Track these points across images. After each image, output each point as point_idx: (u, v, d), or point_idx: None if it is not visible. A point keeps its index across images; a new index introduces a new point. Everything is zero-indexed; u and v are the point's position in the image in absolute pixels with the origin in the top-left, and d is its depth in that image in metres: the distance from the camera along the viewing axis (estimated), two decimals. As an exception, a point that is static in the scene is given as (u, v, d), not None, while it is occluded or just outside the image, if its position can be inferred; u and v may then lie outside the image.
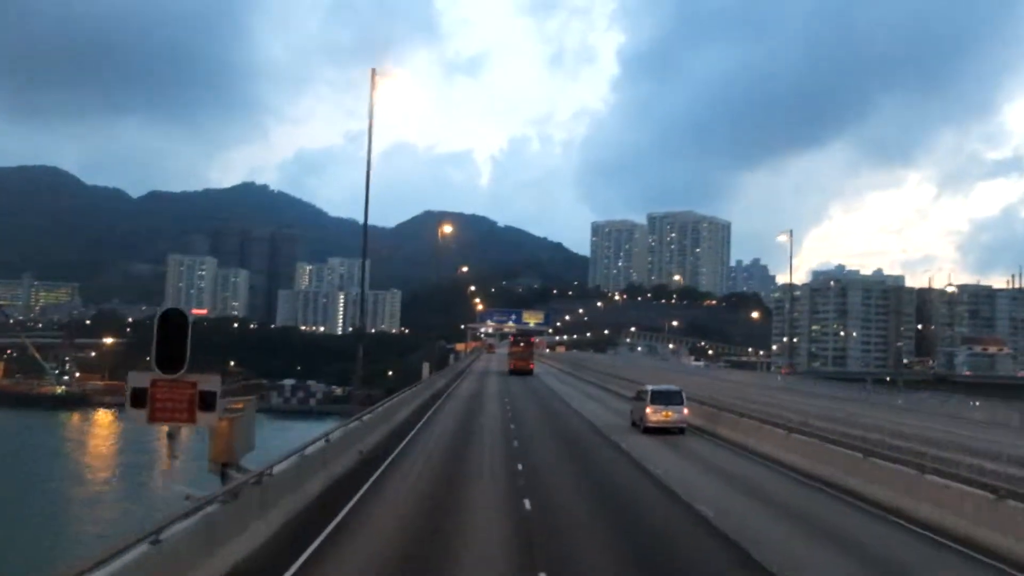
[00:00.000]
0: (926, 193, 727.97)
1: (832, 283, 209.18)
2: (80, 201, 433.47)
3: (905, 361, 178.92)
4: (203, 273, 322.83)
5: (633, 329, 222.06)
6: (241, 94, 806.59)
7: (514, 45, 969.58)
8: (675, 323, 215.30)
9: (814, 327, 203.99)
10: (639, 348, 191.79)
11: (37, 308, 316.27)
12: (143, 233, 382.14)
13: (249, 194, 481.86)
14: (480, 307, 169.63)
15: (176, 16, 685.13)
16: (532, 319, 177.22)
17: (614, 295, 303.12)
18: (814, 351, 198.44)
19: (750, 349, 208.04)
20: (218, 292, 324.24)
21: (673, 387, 36.36)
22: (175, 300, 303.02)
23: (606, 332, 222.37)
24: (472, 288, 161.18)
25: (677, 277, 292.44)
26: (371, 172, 31.60)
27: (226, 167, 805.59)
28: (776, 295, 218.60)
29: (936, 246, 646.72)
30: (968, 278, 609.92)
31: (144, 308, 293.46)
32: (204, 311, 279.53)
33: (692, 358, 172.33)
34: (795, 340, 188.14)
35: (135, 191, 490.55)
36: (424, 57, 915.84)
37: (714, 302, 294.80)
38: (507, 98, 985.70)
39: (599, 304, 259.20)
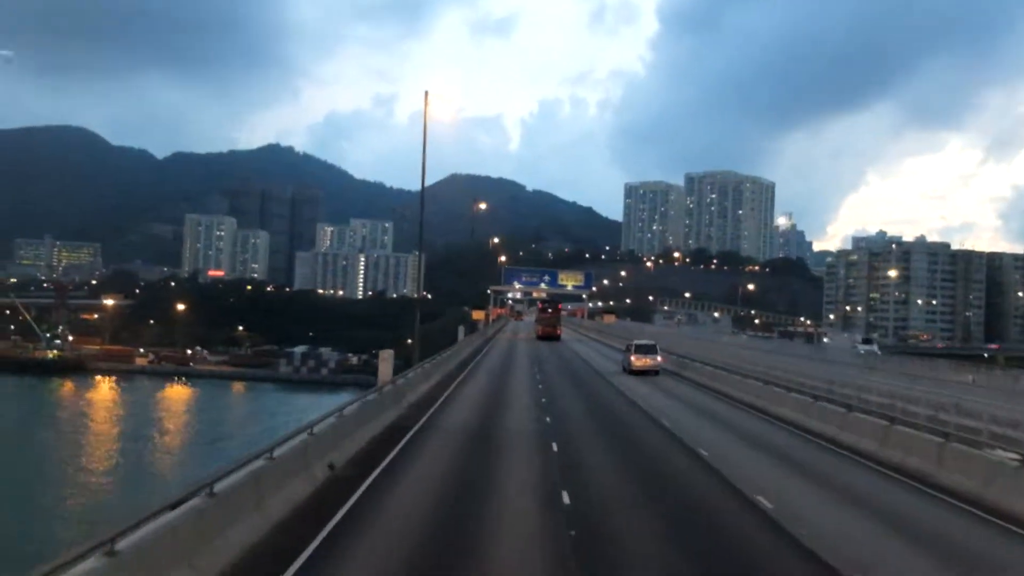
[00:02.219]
0: (969, 158, 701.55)
1: (894, 246, 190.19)
2: (106, 161, 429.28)
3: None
4: (221, 234, 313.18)
5: (689, 295, 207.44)
6: (270, 53, 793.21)
7: (550, 1, 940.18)
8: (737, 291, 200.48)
9: (873, 295, 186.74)
10: (678, 317, 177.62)
11: (60, 268, 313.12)
12: (166, 194, 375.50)
13: (274, 156, 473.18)
14: (504, 261, 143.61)
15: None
16: (570, 280, 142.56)
17: (650, 259, 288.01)
18: (873, 321, 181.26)
19: (802, 319, 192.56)
20: (237, 254, 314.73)
21: (650, 341, 48.60)
22: (193, 262, 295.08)
23: (651, 299, 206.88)
24: (499, 254, 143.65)
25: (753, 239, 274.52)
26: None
27: (254, 129, 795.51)
28: (830, 260, 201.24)
29: (977, 213, 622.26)
30: (1008, 246, 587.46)
31: (165, 270, 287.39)
32: (221, 272, 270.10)
33: (744, 331, 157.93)
34: (848, 309, 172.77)
35: (160, 152, 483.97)
36: (457, 16, 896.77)
37: (756, 268, 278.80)
38: (539, 60, 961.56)
39: (623, 273, 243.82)
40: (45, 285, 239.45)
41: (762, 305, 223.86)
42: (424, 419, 24.18)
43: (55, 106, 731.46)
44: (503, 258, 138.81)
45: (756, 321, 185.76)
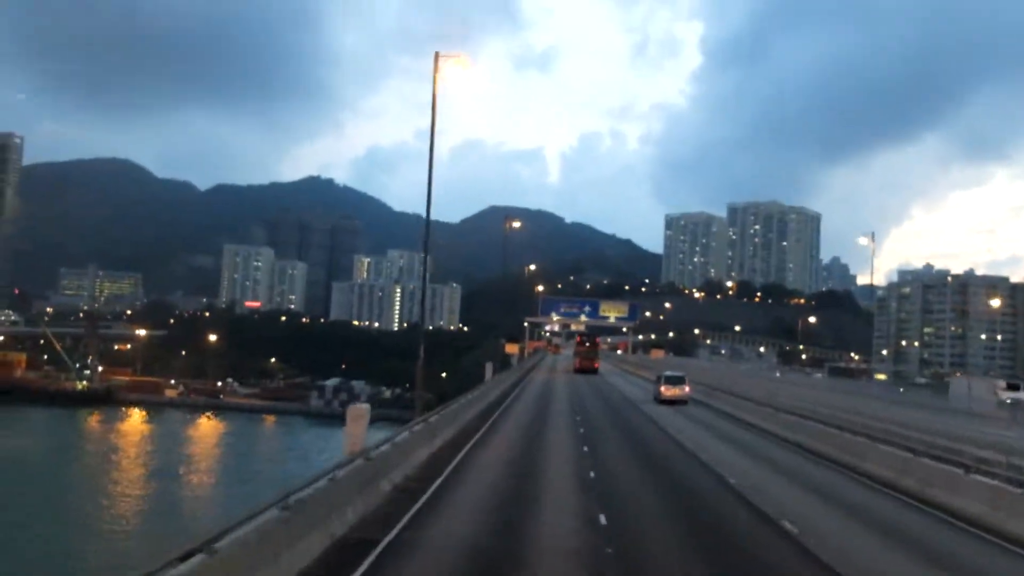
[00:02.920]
0: (1017, 191, 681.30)
1: (949, 279, 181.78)
2: (150, 193, 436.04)
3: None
4: (259, 264, 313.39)
5: (739, 329, 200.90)
6: (315, 86, 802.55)
7: (593, 35, 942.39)
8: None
9: (927, 329, 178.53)
10: (722, 351, 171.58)
11: (102, 298, 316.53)
12: (208, 225, 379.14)
13: (314, 188, 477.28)
14: (542, 291, 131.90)
15: (251, 7, 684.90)
16: (612, 311, 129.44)
17: (692, 292, 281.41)
18: (926, 357, 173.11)
19: (852, 354, 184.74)
20: (274, 285, 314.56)
21: (679, 372, 52.36)
22: (230, 292, 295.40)
23: (696, 332, 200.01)
24: (536, 284, 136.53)
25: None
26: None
27: (297, 161, 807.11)
28: (881, 293, 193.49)
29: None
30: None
31: (204, 300, 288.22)
32: (258, 304, 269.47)
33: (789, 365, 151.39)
34: (904, 343, 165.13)
35: (203, 184, 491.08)
36: (500, 48, 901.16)
37: (802, 301, 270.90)
38: (580, 93, 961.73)
39: (667, 305, 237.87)
40: (81, 315, 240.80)
41: (808, 339, 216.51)
42: (401, 525, 14.64)
43: (103, 139, 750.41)
44: (540, 288, 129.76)
45: (803, 356, 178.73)
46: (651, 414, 41.62)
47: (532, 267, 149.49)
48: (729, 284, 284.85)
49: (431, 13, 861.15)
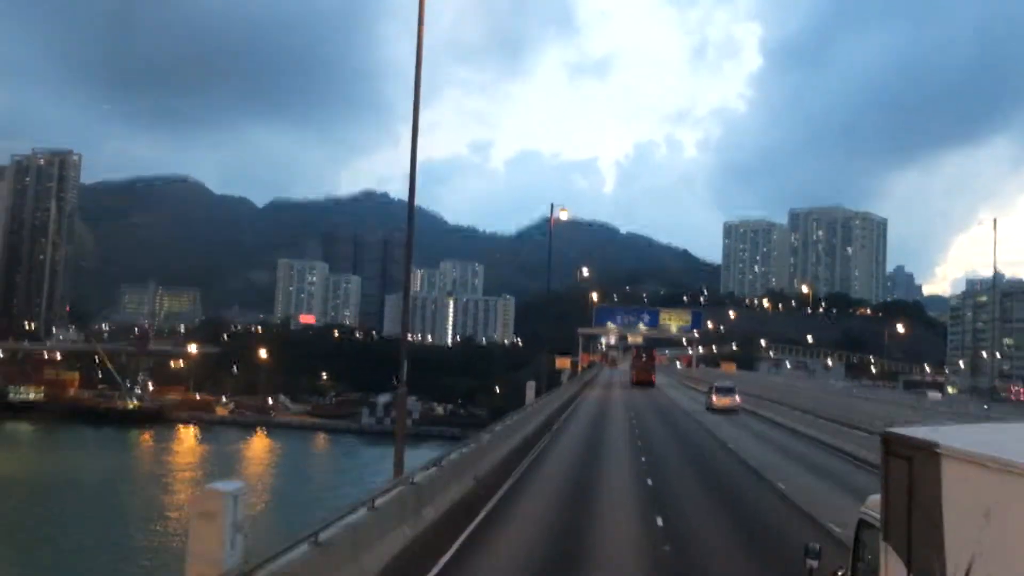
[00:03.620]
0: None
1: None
2: (209, 210, 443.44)
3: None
4: (313, 278, 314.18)
5: (811, 340, 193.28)
6: (373, 100, 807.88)
7: (649, 39, 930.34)
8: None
9: (1006, 340, 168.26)
10: (786, 364, 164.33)
11: (161, 314, 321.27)
12: (265, 240, 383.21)
13: (369, 201, 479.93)
14: (597, 300, 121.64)
15: (308, 21, 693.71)
16: (674, 320, 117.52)
17: (752, 302, 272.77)
18: (1008, 369, 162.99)
19: (926, 367, 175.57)
20: (329, 299, 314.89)
21: (728, 383, 58.84)
22: (285, 307, 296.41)
23: (763, 343, 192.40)
24: (591, 292, 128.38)
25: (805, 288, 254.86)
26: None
27: (354, 175, 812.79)
28: (954, 302, 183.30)
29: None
30: None
31: (261, 316, 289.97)
32: (312, 319, 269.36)
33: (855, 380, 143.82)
34: (984, 354, 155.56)
35: (261, 199, 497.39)
36: (556, 56, 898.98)
37: (868, 311, 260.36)
38: (636, 100, 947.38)
39: (731, 314, 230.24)
40: (136, 332, 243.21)
41: (875, 351, 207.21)
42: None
43: (165, 157, 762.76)
44: (595, 296, 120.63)
45: (873, 369, 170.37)
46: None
47: (585, 271, 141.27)
48: (795, 293, 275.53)
49: (486, 23, 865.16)
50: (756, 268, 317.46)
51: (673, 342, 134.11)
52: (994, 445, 5.73)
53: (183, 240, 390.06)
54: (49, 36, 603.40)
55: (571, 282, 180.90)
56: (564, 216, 64.08)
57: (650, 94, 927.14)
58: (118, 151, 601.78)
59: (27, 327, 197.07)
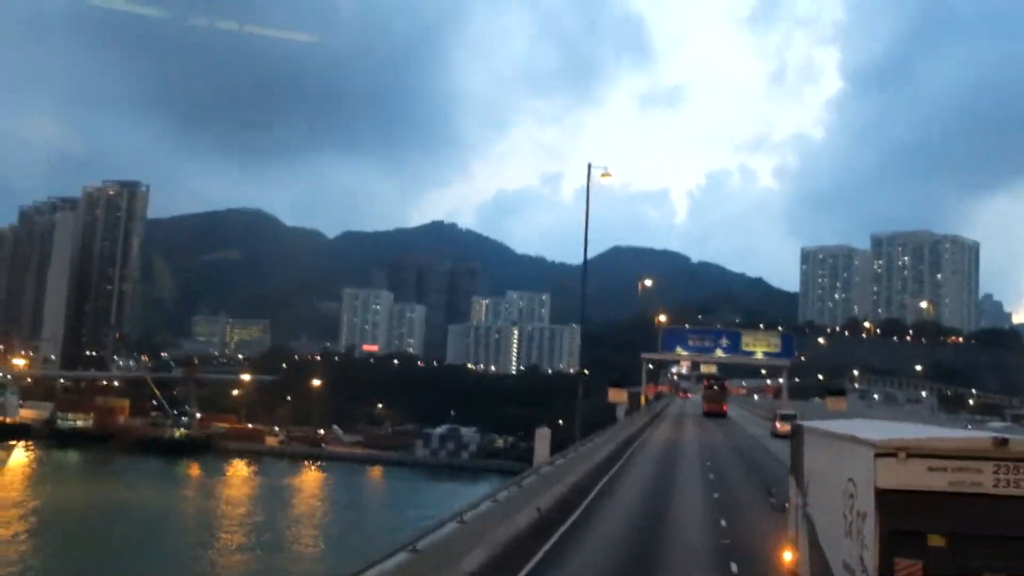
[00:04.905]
0: None
1: None
2: (280, 242, 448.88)
3: None
4: (378, 307, 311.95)
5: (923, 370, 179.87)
6: (442, 132, 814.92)
7: (725, 65, 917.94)
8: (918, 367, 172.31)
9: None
10: (874, 396, 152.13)
11: (232, 344, 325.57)
12: (335, 271, 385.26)
13: (437, 232, 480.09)
14: (664, 320, 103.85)
15: (379, 54, 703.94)
16: (759, 345, 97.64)
17: (832, 330, 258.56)
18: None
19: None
20: (393, 328, 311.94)
21: (791, 411, 61.78)
22: (349, 336, 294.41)
23: (855, 373, 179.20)
24: (660, 318, 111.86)
25: (924, 304, 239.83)
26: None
27: (425, 208, 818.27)
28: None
29: None
30: None
31: (328, 345, 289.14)
32: (375, 347, 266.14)
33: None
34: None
35: (331, 231, 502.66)
36: (629, 84, 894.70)
37: (960, 339, 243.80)
38: (709, 129, 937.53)
39: (820, 340, 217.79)
40: (214, 361, 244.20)
41: (969, 382, 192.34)
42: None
43: (237, 191, 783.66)
44: (663, 317, 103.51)
45: (971, 402, 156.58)
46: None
47: (648, 281, 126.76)
48: (879, 321, 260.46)
49: (558, 53, 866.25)
50: (836, 295, 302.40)
51: (752, 371, 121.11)
52: (836, 427, 11.95)
53: (254, 272, 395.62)
54: (126, 71, 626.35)
55: (640, 309, 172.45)
56: (605, 181, 45.86)
57: (724, 122, 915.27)
58: (194, 185, 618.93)
59: (91, 355, 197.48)
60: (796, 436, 13.97)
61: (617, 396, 68.71)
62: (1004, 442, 8.85)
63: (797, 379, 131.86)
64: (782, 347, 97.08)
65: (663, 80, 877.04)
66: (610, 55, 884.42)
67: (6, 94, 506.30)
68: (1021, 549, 8.52)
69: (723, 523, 23.90)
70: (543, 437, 34.82)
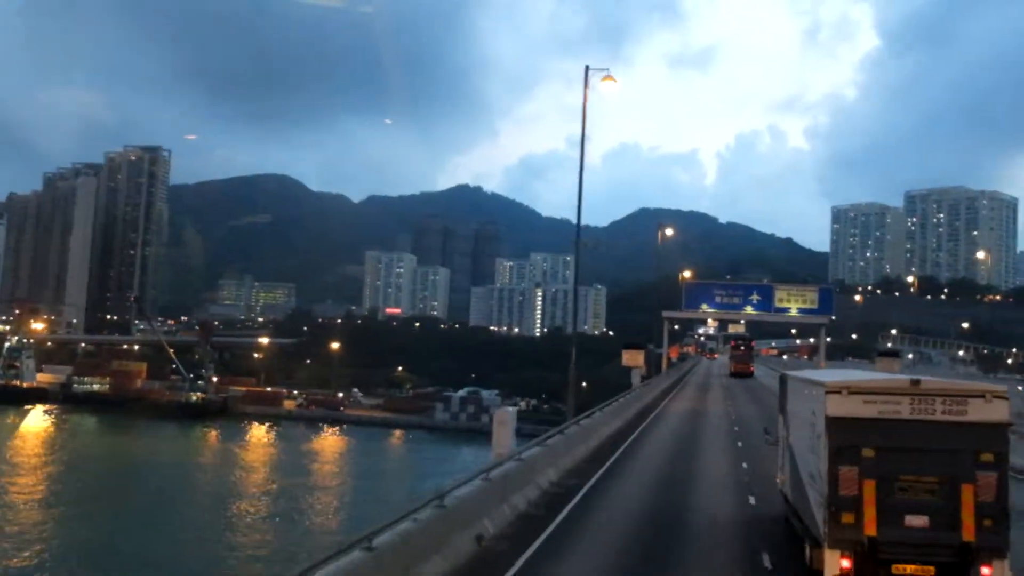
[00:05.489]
0: None
1: None
2: (306, 206, 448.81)
3: None
4: (401, 270, 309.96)
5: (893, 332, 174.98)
6: (469, 96, 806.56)
7: (757, 23, 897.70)
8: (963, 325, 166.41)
9: None
10: (909, 356, 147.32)
11: (257, 307, 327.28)
12: (360, 235, 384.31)
13: (462, 196, 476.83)
14: (689, 276, 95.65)
15: (405, 20, 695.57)
16: (794, 300, 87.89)
17: (864, 290, 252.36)
18: None
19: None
20: (417, 291, 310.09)
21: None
22: (373, 299, 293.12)
23: (893, 332, 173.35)
24: (685, 273, 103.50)
25: (981, 255, 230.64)
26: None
27: (453, 171, 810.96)
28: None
29: None
30: None
31: (354, 308, 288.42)
32: (397, 310, 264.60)
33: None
34: None
35: (357, 196, 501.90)
36: (659, 44, 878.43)
37: (998, 297, 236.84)
38: (739, 90, 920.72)
39: (856, 298, 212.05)
40: (238, 325, 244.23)
41: (1007, 340, 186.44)
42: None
43: (266, 156, 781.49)
44: (688, 274, 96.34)
45: (1008, 361, 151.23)
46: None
47: (669, 231, 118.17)
48: (909, 280, 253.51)
49: (585, 14, 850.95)
50: (868, 254, 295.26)
51: (781, 331, 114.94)
52: (806, 374, 17.24)
53: (281, 236, 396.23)
54: (157, 40, 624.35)
55: (663, 268, 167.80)
56: (608, 82, 37.55)
57: (754, 83, 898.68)
58: (222, 152, 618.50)
59: (111, 319, 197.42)
60: (782, 383, 18.94)
61: (632, 359, 59.44)
62: (917, 382, 12.63)
63: (829, 339, 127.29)
64: (819, 303, 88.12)
65: (693, 41, 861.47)
66: (640, 15, 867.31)
67: (42, 68, 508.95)
68: (929, 458, 12.14)
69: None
70: (503, 423, 22.55)
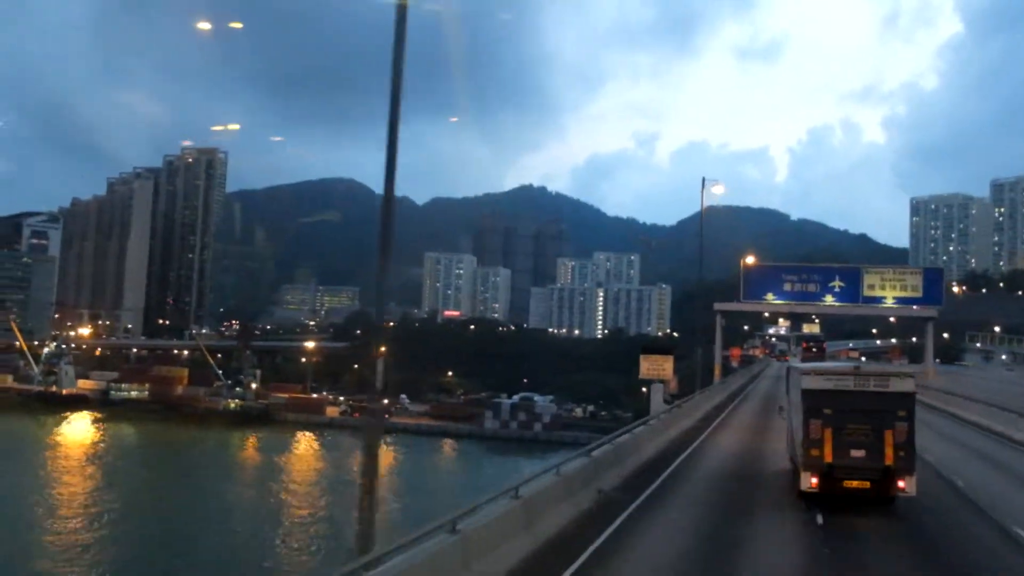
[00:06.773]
0: None
1: None
2: (371, 210, 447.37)
3: None
4: (460, 272, 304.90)
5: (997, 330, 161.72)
6: (535, 94, 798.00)
7: (831, 10, 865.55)
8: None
9: None
10: (1003, 356, 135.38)
11: (322, 311, 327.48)
12: (423, 237, 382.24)
13: (526, 196, 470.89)
14: (751, 263, 78.44)
15: (469, 15, 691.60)
16: (889, 288, 69.59)
17: (947, 286, 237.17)
18: None
19: None
20: (477, 292, 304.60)
21: None
22: (432, 301, 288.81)
23: (997, 329, 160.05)
24: (747, 259, 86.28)
25: None
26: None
27: (519, 172, 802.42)
28: None
29: None
30: None
31: (416, 310, 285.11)
32: (457, 313, 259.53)
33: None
34: None
35: (421, 198, 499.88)
36: (726, 36, 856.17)
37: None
38: (811, 82, 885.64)
39: (955, 289, 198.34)
40: (299, 329, 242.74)
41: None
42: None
43: (331, 160, 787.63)
44: (751, 259, 79.18)
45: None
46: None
47: (717, 188, 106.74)
48: (1001, 273, 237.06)
49: (654, 3, 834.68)
50: (951, 248, 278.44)
51: (863, 329, 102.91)
52: (798, 364, 31.50)
53: (347, 240, 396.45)
54: (221, 43, 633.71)
55: (736, 271, 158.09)
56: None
57: (826, 74, 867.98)
58: (288, 156, 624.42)
59: (166, 324, 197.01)
60: (787, 371, 28.56)
61: (654, 369, 39.66)
62: (858, 367, 22.81)
63: (914, 339, 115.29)
64: (924, 290, 69.64)
65: (763, 30, 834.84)
66: (703, 7, 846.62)
67: (111, 72, 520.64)
68: (865, 415, 19.48)
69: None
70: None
